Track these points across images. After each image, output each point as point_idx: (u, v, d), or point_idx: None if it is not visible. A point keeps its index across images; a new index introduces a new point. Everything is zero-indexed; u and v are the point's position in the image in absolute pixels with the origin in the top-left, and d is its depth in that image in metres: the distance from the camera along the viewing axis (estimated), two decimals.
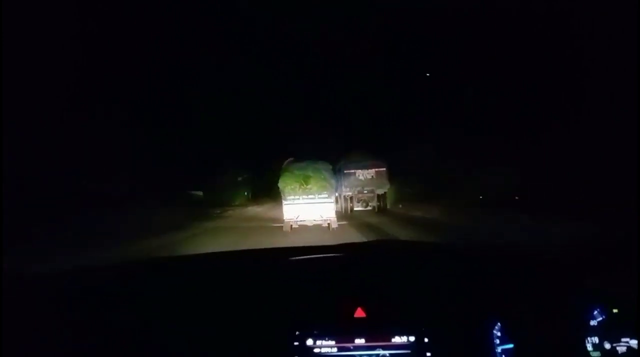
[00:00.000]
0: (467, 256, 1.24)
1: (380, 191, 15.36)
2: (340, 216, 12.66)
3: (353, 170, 15.51)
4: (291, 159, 11.17)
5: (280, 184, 10.25)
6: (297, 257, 1.20)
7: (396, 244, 1.34)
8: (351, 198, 15.41)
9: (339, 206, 14.96)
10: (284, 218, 9.79)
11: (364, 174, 15.41)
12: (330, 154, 13.78)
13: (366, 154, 16.16)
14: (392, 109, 21.23)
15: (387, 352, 0.99)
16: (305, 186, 10.16)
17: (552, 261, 1.11)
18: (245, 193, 28.93)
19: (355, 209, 15.27)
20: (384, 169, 15.47)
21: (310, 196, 10.07)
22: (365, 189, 15.33)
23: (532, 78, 12.02)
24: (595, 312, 0.98)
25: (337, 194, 15.21)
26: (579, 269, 1.05)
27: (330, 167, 10.63)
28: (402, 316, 1.02)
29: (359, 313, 1.03)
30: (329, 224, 9.72)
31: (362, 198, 15.43)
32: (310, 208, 9.87)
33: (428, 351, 0.97)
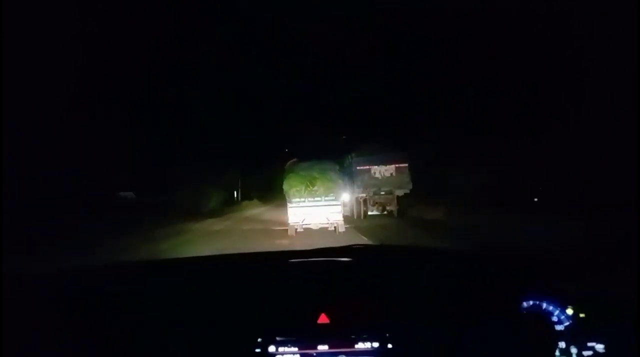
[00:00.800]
0: (431, 261, 1.29)
1: (400, 192, 13.61)
2: (351, 222, 12.13)
3: (367, 167, 13.80)
4: (295, 159, 11.59)
5: (285, 186, 10.56)
6: (259, 263, 1.28)
7: (361, 249, 1.40)
8: (365, 201, 13.78)
9: (347, 209, 14.42)
10: (289, 221, 10.11)
11: (381, 171, 13.72)
12: (326, 151, 14.01)
13: (382, 146, 14.28)
14: (390, 105, 21.06)
15: None
16: (311, 187, 10.54)
17: (518, 265, 1.14)
18: (235, 194, 27.44)
19: (369, 213, 13.79)
20: (406, 164, 13.65)
21: (316, 198, 10.44)
22: (382, 189, 13.63)
23: (540, 77, 12.37)
24: (563, 317, 1.03)
25: (346, 195, 14.68)
26: (548, 273, 1.09)
27: (337, 167, 10.88)
28: (366, 322, 1.06)
29: (323, 319, 1.08)
30: (335, 227, 9.99)
31: (379, 201, 13.79)
32: (316, 211, 10.23)
33: None
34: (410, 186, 13.50)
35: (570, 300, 1.04)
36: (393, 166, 13.77)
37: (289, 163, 11.67)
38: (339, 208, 10.41)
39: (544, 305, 1.06)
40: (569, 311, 1.04)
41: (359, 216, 13.73)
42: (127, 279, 1.24)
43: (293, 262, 1.27)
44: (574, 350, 1.00)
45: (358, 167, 13.91)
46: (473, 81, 15.03)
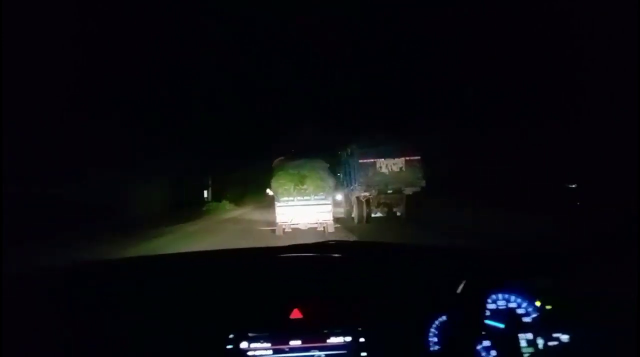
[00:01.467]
0: (400, 255, 1.39)
1: (410, 191, 12.12)
2: (352, 228, 11.32)
3: (372, 160, 12.22)
4: (282, 157, 11.87)
5: (273, 185, 10.92)
6: (232, 259, 1.38)
7: (333, 245, 1.46)
8: (368, 201, 12.40)
9: (345, 210, 14.27)
10: (277, 221, 10.48)
11: (388, 165, 12.14)
12: (316, 148, 13.71)
13: (388, 135, 13.01)
14: (388, 93, 21.08)
15: (322, 354, 1.11)
16: (300, 186, 10.96)
17: (485, 258, 1.25)
18: (205, 194, 25.69)
19: (373, 215, 12.47)
20: (418, 157, 12.08)
21: (305, 198, 10.88)
22: (390, 187, 12.12)
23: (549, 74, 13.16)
24: (530, 310, 1.15)
25: (344, 194, 14.42)
26: (514, 267, 1.19)
27: (327, 165, 11.20)
28: (338, 317, 1.15)
29: (295, 314, 1.16)
30: (324, 227, 10.41)
31: (385, 201, 12.42)
32: (305, 210, 10.69)
33: (363, 351, 1.09)
34: (423, 183, 11.95)
35: (537, 293, 1.14)
36: (403, 159, 12.14)
37: (276, 160, 11.92)
38: (329, 208, 10.76)
39: (512, 298, 1.16)
40: (537, 304, 1.14)
41: (360, 220, 12.51)
42: (97, 277, 1.30)
43: (266, 258, 1.37)
44: (540, 341, 1.10)
45: (361, 161, 12.31)
46: (480, 66, 15.26)
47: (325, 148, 13.59)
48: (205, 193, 26.83)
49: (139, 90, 16.69)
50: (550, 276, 1.18)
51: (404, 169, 12.15)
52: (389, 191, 12.25)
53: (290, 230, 10.38)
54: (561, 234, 6.50)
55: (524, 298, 1.16)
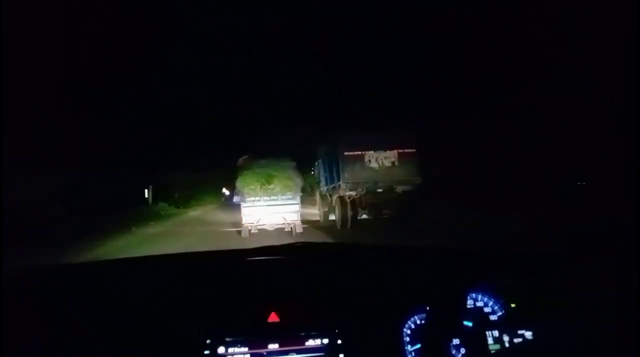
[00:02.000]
0: (375, 256, 1.48)
1: (403, 188, 10.86)
2: (335, 234, 10.68)
3: (359, 152, 10.81)
4: (246, 156, 12.07)
5: (239, 184, 11.08)
6: (206, 262, 1.41)
7: (308, 246, 1.52)
8: (353, 202, 11.00)
9: (319, 211, 14.06)
10: (243, 222, 10.62)
11: (379, 159, 10.82)
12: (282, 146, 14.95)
13: (378, 122, 12.31)
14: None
15: (300, 356, 1.15)
16: (267, 185, 11.04)
17: (453, 258, 1.36)
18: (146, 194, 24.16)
19: (359, 217, 11.12)
20: (414, 149, 10.84)
21: (272, 197, 11.00)
22: (380, 183, 10.82)
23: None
24: (496, 308, 1.25)
25: (322, 192, 14.08)
26: (480, 265, 1.29)
27: (294, 164, 11.44)
28: (315, 319, 1.20)
29: (273, 318, 1.21)
30: (292, 228, 10.71)
31: (373, 201, 10.98)
32: (272, 211, 10.84)
33: (341, 352, 1.15)
34: (419, 180, 10.85)
35: (503, 292, 1.25)
36: (396, 152, 10.83)
37: (242, 159, 12.00)
38: (297, 207, 10.96)
39: (480, 297, 1.26)
40: (502, 302, 1.24)
41: (344, 223, 11.21)
42: (73, 280, 1.32)
43: (240, 261, 1.40)
44: (506, 338, 1.21)
45: (346, 153, 10.91)
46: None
47: (291, 147, 13.63)
48: (147, 193, 24.17)
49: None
50: (515, 275, 1.27)
51: (396, 163, 10.90)
52: (379, 189, 11.06)
53: (256, 231, 10.48)
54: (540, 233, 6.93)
55: (490, 297, 1.26)
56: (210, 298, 1.24)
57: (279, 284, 1.29)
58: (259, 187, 10.85)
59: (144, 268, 1.40)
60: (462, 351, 1.18)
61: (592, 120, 11.47)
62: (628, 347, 0.86)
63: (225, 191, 50.45)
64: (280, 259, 1.39)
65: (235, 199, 47.14)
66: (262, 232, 10.42)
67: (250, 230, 10.27)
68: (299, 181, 11.23)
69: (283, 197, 10.85)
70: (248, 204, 10.64)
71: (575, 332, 0.99)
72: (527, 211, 9.21)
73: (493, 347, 1.20)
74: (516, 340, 1.19)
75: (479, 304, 1.26)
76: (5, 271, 1.31)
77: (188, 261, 1.44)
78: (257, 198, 10.71)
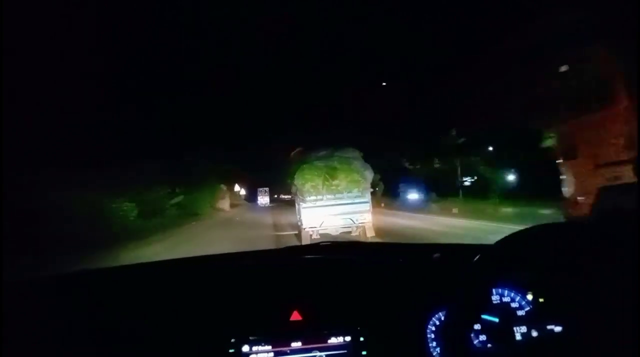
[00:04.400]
0: (397, 254, 1.56)
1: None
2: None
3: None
4: (300, 148, 11.25)
5: (297, 181, 10.06)
6: (231, 264, 1.58)
7: (329, 246, 1.63)
8: None
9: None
10: (303, 226, 9.84)
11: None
12: None
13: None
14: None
15: (323, 354, 1.29)
16: (330, 182, 9.97)
17: (479, 253, 1.35)
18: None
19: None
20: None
21: (337, 195, 9.97)
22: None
23: None
24: (523, 303, 1.30)
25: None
26: (507, 260, 1.28)
27: (362, 154, 10.49)
28: (338, 317, 1.33)
29: (295, 316, 1.34)
30: (360, 232, 9.76)
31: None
32: (337, 211, 9.82)
33: (364, 350, 1.27)
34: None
35: (529, 286, 1.30)
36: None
37: (295, 152, 11.45)
38: (367, 206, 10.06)
39: (506, 292, 1.32)
40: (529, 297, 1.30)
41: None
42: (103, 284, 1.51)
43: (263, 261, 1.56)
44: (534, 333, 1.26)
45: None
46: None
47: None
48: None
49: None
50: (542, 269, 1.29)
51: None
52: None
53: (318, 236, 9.72)
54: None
55: (517, 292, 1.31)
56: (235, 298, 1.40)
57: (301, 284, 1.43)
58: (321, 183, 10.00)
59: (169, 271, 1.60)
60: (489, 346, 1.25)
61: None
62: None
63: (240, 189, 46.70)
64: (303, 258, 1.52)
65: (261, 200, 43.94)
66: (325, 237, 9.76)
67: (311, 235, 9.71)
68: (368, 175, 10.29)
69: (350, 194, 10.03)
70: (308, 204, 9.94)
71: (607, 327, 1.02)
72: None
73: (521, 343, 1.26)
74: (545, 335, 1.24)
75: (506, 299, 1.32)
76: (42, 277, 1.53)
77: (212, 263, 1.61)
78: (319, 197, 9.99)
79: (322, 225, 9.80)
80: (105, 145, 14.42)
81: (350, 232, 9.97)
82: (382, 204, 22.44)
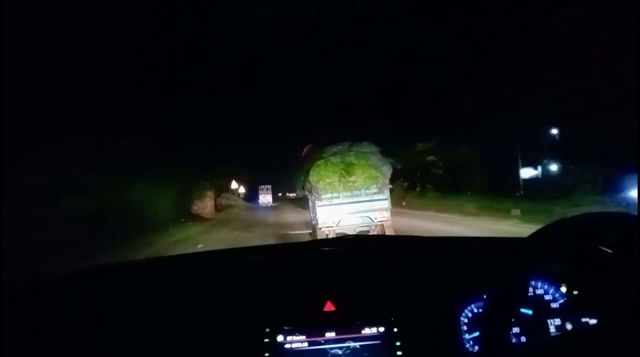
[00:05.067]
0: (431, 247, 1.60)
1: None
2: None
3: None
4: (312, 144, 10.87)
5: (312, 178, 9.73)
6: (265, 256, 1.63)
7: (362, 238, 1.75)
8: None
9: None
10: (318, 225, 9.59)
11: None
12: None
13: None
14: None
15: (357, 344, 1.33)
16: (346, 178, 9.59)
17: (512, 246, 1.42)
18: None
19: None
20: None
21: (354, 193, 9.64)
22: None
23: None
24: (557, 295, 1.33)
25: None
26: (542, 253, 1.29)
27: (379, 148, 10.20)
28: (371, 308, 1.37)
29: (329, 307, 1.39)
30: (379, 231, 9.46)
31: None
32: (355, 209, 9.51)
33: (397, 340, 1.31)
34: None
35: (564, 278, 1.33)
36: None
37: (307, 148, 11.11)
38: (386, 203, 9.71)
39: (539, 284, 1.36)
40: (563, 289, 1.33)
41: None
42: (137, 278, 1.58)
43: (298, 253, 1.62)
44: (568, 326, 1.30)
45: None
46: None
47: None
48: None
49: None
50: (576, 261, 1.31)
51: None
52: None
53: (334, 236, 9.42)
54: None
55: (551, 284, 1.34)
56: (269, 289, 1.46)
57: (334, 275, 1.48)
58: (337, 180, 9.64)
59: (205, 263, 1.66)
60: (523, 339, 1.29)
61: None
62: None
63: (238, 187, 41.96)
64: (335, 250, 1.58)
65: (263, 199, 41.10)
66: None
67: (327, 235, 9.43)
68: (386, 170, 9.88)
69: (368, 191, 9.68)
70: (324, 202, 9.63)
71: None
72: None
73: (555, 335, 1.30)
74: (580, 328, 1.28)
75: (539, 291, 1.36)
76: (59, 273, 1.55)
77: (246, 255, 1.67)
78: (334, 194, 9.67)
79: (339, 224, 9.56)
80: None
81: (368, 231, 9.73)
82: (404, 203, 21.68)
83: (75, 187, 12.33)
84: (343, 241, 1.64)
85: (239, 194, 42.04)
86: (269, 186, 41.99)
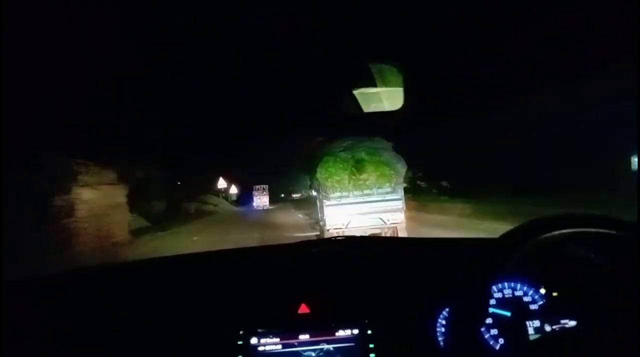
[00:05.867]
0: (405, 248, 1.62)
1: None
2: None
3: None
4: (320, 139, 10.39)
5: (320, 175, 9.24)
6: (239, 258, 1.64)
7: (337, 240, 1.73)
8: None
9: None
10: (326, 227, 9.14)
11: None
12: None
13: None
14: None
15: (331, 347, 1.35)
16: (357, 176, 9.08)
17: (489, 247, 1.39)
18: None
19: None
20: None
21: (365, 192, 9.13)
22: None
23: None
24: (536, 297, 1.34)
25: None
26: (519, 254, 1.33)
27: (391, 145, 9.69)
28: (345, 310, 1.39)
29: (303, 309, 1.40)
30: (392, 233, 8.96)
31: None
32: (366, 210, 8.99)
33: (371, 343, 1.32)
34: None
35: (543, 280, 1.35)
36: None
37: (314, 143, 10.56)
38: (399, 204, 9.16)
39: (518, 286, 1.37)
40: (542, 291, 1.35)
41: None
42: (110, 281, 1.60)
43: (273, 255, 1.63)
44: (547, 327, 1.30)
45: None
46: None
47: None
48: None
49: None
50: (555, 263, 1.33)
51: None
52: None
53: (343, 238, 8.49)
54: None
55: (530, 286, 1.36)
56: (243, 291, 1.49)
57: (309, 277, 1.51)
58: (347, 178, 9.18)
59: (178, 265, 1.69)
60: (500, 341, 1.31)
61: None
62: None
63: (227, 186, 36.75)
64: (311, 252, 1.60)
65: (258, 202, 34.89)
66: None
67: (336, 237, 8.77)
68: (400, 168, 9.40)
69: (380, 190, 9.20)
70: (332, 202, 9.17)
71: (621, 321, 1.05)
72: None
73: (534, 337, 1.31)
74: (558, 330, 1.29)
75: (518, 293, 1.37)
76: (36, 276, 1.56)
77: (221, 257, 1.71)
78: (344, 193, 9.22)
79: (348, 225, 9.10)
80: None
81: (380, 233, 9.28)
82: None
83: None
84: (322, 243, 1.70)
85: (227, 196, 38.04)
86: (266, 186, 36.49)
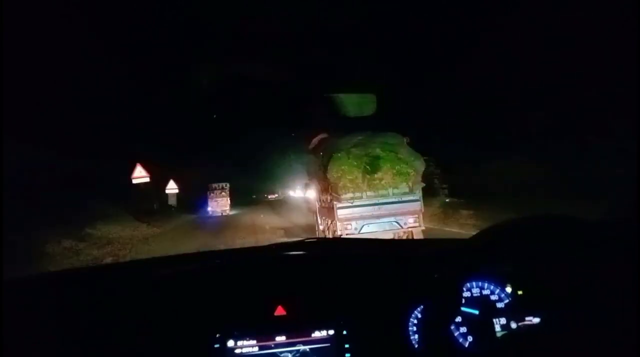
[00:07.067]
0: (377, 249, 1.66)
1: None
2: None
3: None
4: (324, 134, 9.60)
5: (332, 174, 8.45)
6: (216, 260, 1.70)
7: (313, 242, 1.78)
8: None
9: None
10: (338, 231, 8.34)
11: None
12: None
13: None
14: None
15: (307, 347, 1.41)
16: (371, 175, 8.28)
17: (461, 247, 1.49)
18: None
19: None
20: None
21: (381, 192, 8.34)
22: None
23: None
24: (503, 295, 1.41)
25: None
26: (485, 254, 1.42)
27: (406, 140, 8.84)
28: (321, 311, 1.46)
29: (279, 311, 1.46)
30: (408, 237, 8.37)
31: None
32: (380, 212, 8.22)
33: (347, 343, 1.40)
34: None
35: (509, 279, 1.41)
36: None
37: (319, 138, 9.69)
38: (417, 206, 8.44)
39: (485, 285, 1.43)
40: (508, 289, 1.41)
41: None
42: (86, 283, 1.65)
43: (248, 258, 1.68)
44: (513, 325, 1.37)
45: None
46: None
47: None
48: None
49: None
50: (519, 262, 1.41)
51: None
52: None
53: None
54: None
55: (497, 285, 1.43)
56: (220, 294, 1.55)
57: (285, 279, 1.58)
58: (360, 177, 8.38)
59: (154, 267, 1.74)
60: (469, 339, 1.38)
61: None
62: None
63: (166, 187, 23.33)
64: (287, 255, 1.66)
65: (214, 206, 25.87)
66: None
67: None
68: (418, 166, 8.70)
69: (396, 191, 8.43)
70: (344, 203, 8.42)
71: (585, 319, 1.10)
72: None
73: (500, 334, 1.40)
74: (524, 327, 1.38)
75: (485, 292, 1.45)
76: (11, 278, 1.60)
77: (197, 259, 1.76)
78: (357, 194, 8.44)
79: (362, 230, 8.35)
80: None
81: (394, 237, 8.64)
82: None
83: None
84: (296, 246, 1.74)
85: (170, 197, 24.06)
86: (226, 185, 28.54)
